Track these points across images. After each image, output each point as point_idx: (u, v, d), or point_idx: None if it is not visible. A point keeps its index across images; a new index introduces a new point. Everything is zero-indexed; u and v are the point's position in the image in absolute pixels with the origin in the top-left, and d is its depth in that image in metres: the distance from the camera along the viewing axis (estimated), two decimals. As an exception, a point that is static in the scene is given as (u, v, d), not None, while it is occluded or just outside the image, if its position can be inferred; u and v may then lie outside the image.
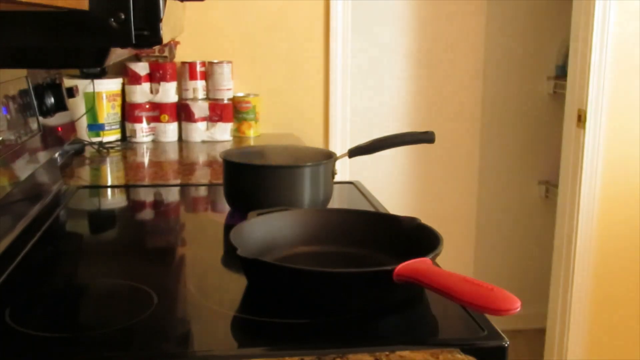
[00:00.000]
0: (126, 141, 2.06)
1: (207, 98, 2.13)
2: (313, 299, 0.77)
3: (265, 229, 0.92)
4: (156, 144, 2.06)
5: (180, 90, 2.12)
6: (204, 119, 2.09)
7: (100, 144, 1.92)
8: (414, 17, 2.65)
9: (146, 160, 1.83)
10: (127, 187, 1.49)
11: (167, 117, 2.07)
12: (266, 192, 1.11)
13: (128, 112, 2.06)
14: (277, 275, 0.77)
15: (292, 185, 1.12)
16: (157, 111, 2.07)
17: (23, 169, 1.08)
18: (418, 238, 0.88)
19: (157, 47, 2.04)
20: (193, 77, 2.10)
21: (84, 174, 1.63)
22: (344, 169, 2.26)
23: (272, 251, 0.89)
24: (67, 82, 1.70)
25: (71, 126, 1.51)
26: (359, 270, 0.76)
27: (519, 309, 0.65)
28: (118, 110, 2.03)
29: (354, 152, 1.20)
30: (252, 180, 1.13)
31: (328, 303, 0.77)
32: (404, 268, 0.73)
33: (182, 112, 2.10)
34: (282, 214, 0.96)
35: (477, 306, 0.66)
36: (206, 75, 2.13)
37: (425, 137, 1.19)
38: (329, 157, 1.19)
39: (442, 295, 0.70)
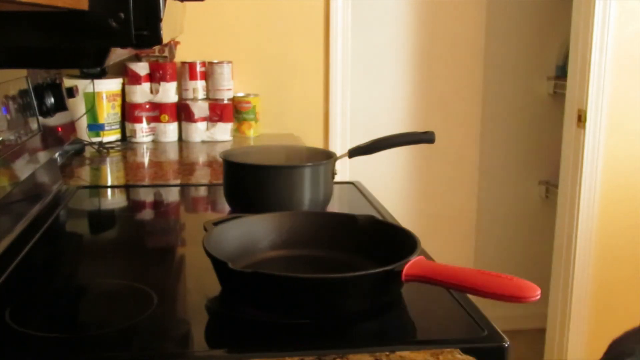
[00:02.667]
0: (126, 141, 2.06)
1: (207, 98, 2.13)
2: (314, 304, 0.75)
3: (228, 238, 0.88)
4: (156, 144, 2.06)
5: (180, 90, 2.12)
6: (204, 119, 2.09)
7: (100, 144, 1.92)
8: (414, 17, 2.65)
9: (146, 160, 1.83)
10: (127, 187, 1.49)
11: (167, 117, 2.07)
12: (266, 192, 1.11)
13: (128, 112, 2.06)
14: (281, 285, 0.74)
15: (292, 185, 1.12)
16: (157, 111, 2.07)
17: (23, 169, 1.08)
18: (377, 234, 0.89)
19: (157, 47, 2.04)
20: (193, 77, 2.10)
21: (84, 174, 1.63)
22: (344, 169, 2.26)
23: (240, 259, 0.86)
24: (67, 82, 1.70)
25: (71, 126, 1.51)
26: (367, 272, 0.75)
27: (539, 296, 0.69)
28: (118, 110, 2.03)
29: (354, 152, 1.20)
30: (252, 180, 1.13)
31: (329, 306, 0.75)
32: (413, 267, 0.73)
33: (182, 112, 2.10)
34: (241, 221, 0.93)
35: (503, 296, 0.68)
36: (206, 75, 2.13)
37: (425, 137, 1.19)
38: (329, 157, 1.18)
39: (462, 291, 0.70)
